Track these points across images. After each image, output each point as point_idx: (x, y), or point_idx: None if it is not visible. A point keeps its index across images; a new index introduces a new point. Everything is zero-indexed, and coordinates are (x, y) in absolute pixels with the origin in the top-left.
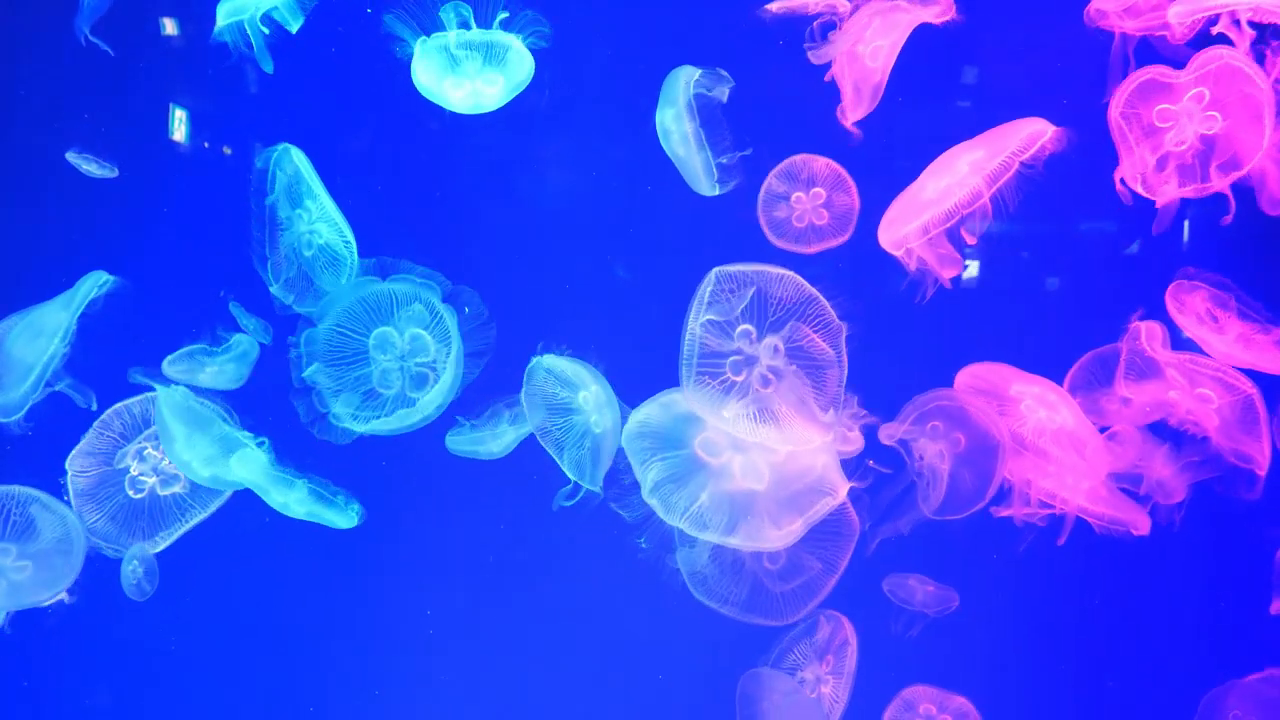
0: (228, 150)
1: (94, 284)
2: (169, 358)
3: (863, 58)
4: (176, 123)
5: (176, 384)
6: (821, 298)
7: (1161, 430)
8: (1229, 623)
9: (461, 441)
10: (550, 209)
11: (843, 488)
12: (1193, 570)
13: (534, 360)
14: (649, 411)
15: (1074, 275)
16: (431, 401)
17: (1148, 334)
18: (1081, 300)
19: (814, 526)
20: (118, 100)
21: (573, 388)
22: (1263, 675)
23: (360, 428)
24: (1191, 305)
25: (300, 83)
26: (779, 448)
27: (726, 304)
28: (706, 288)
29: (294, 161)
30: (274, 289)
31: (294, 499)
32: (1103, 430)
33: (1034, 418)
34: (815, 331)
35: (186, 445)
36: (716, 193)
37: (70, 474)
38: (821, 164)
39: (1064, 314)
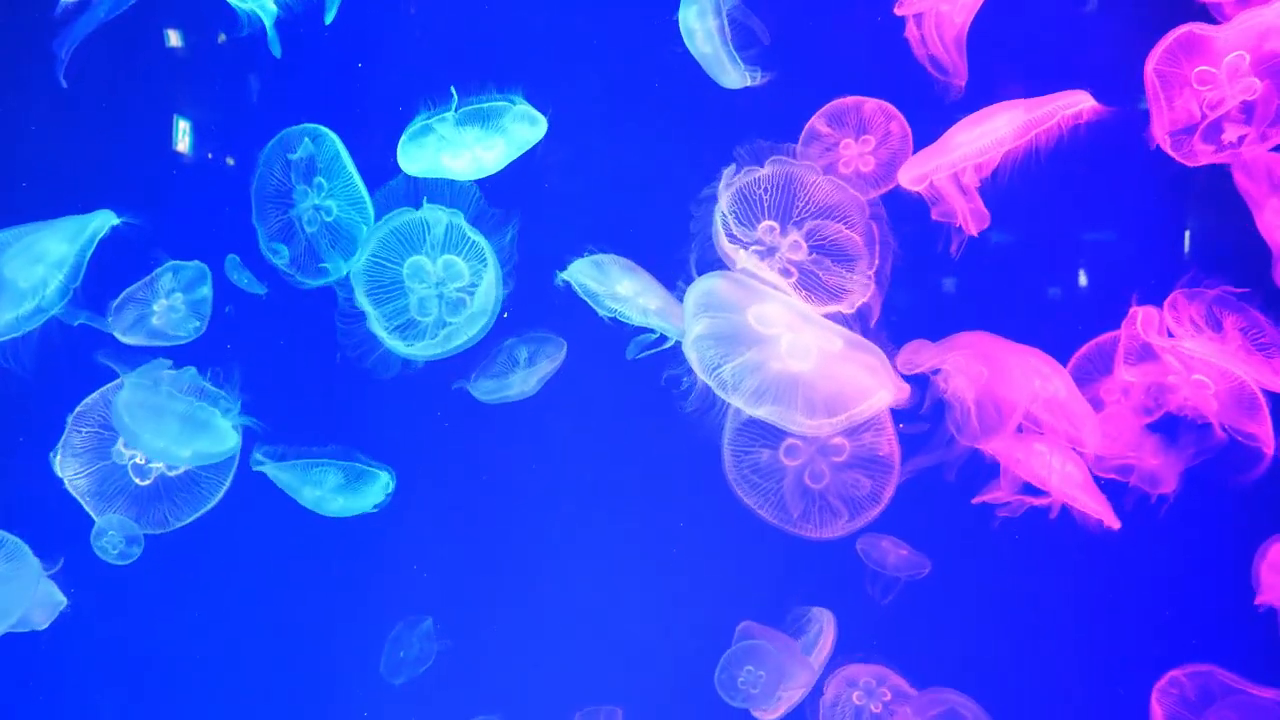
0: (231, 161)
1: (104, 222)
2: (111, 315)
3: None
4: (180, 134)
5: (130, 366)
6: (852, 193)
7: (1161, 422)
8: (1210, 612)
9: (484, 390)
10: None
11: (888, 395)
12: (1176, 560)
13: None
14: (715, 280)
15: (1075, 284)
16: (472, 324)
17: (1144, 320)
18: (1083, 308)
19: (860, 455)
20: (121, 111)
21: (609, 281)
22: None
23: (405, 350)
24: (1192, 310)
25: (301, 87)
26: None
27: (750, 192)
28: (733, 174)
29: (323, 138)
30: (279, 261)
31: (328, 491)
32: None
33: (1029, 389)
34: (841, 232)
35: (155, 436)
36: (747, 83)
37: (66, 479)
38: (873, 107)
39: (1064, 319)
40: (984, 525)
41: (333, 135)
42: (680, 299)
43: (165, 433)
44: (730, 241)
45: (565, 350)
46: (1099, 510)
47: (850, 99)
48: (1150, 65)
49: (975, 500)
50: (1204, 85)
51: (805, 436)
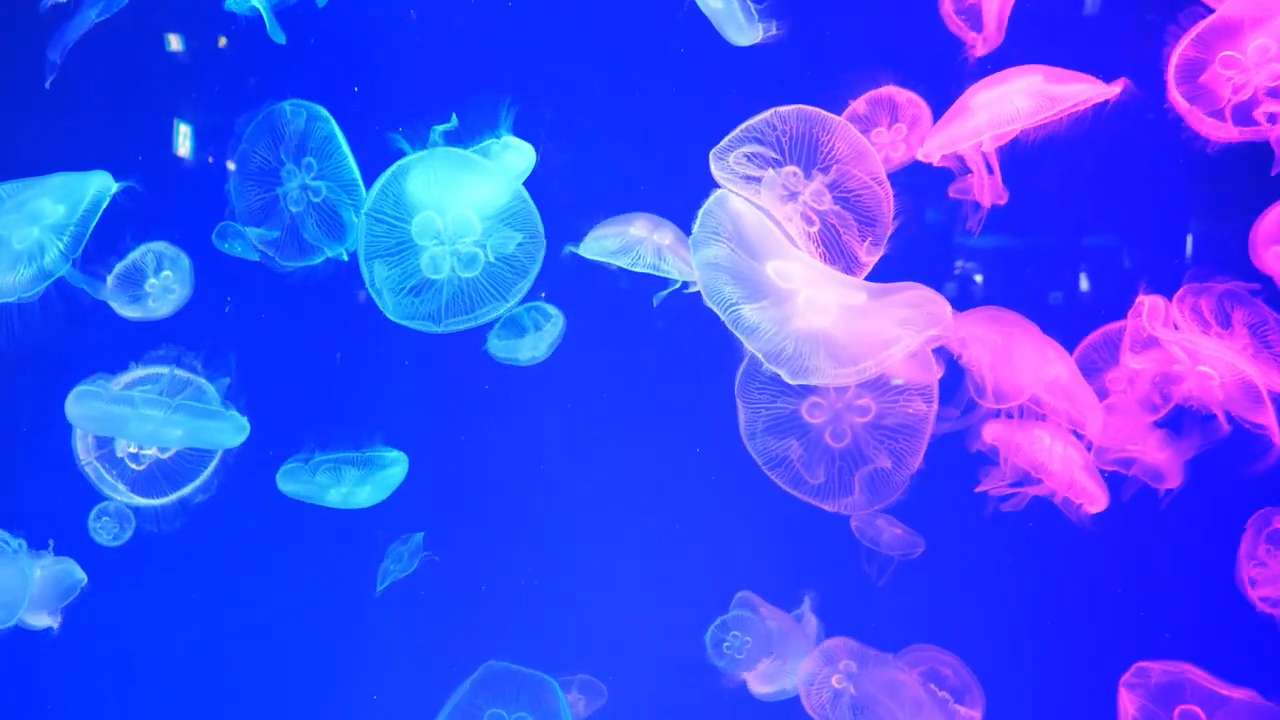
0: (232, 165)
1: (104, 187)
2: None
3: None
4: (181, 138)
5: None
6: (873, 151)
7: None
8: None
9: (499, 349)
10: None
11: (909, 341)
12: (1175, 551)
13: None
14: (740, 206)
15: (1077, 289)
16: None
17: (1150, 310)
18: (1085, 314)
19: (890, 422)
20: (120, 115)
21: (621, 224)
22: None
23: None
24: (1201, 304)
25: (303, 85)
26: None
27: (773, 136)
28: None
29: (318, 117)
30: (251, 234)
31: (349, 485)
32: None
33: (1030, 371)
34: (864, 187)
35: (136, 433)
36: (759, 37)
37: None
38: (905, 99)
39: (1068, 325)
40: (981, 507)
41: (327, 114)
42: None
43: (146, 426)
44: (749, 184)
45: (563, 322)
46: (1097, 496)
47: (887, 89)
48: (1175, 52)
49: (978, 489)
50: (1229, 70)
51: (826, 396)
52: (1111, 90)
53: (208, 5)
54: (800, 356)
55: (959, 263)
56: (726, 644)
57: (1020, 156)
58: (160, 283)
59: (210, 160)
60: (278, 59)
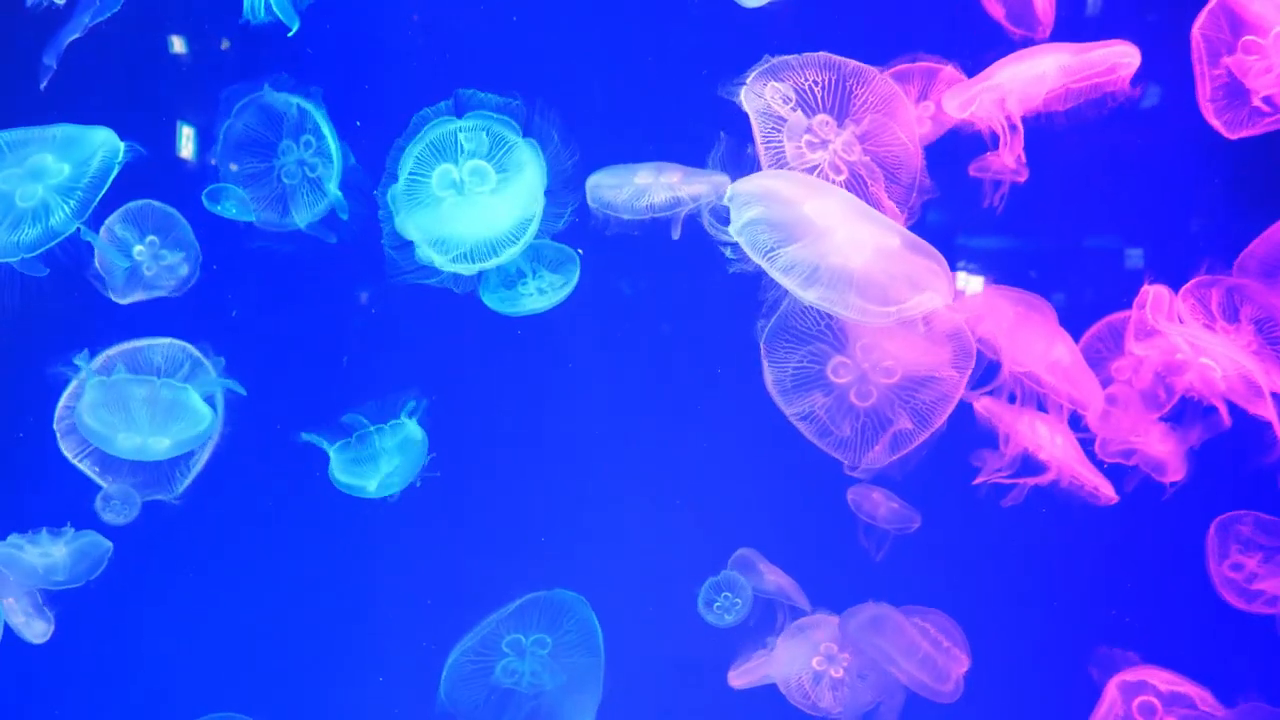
0: (234, 167)
1: (112, 148)
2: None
3: None
4: (184, 140)
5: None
6: (909, 108)
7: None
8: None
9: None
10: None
11: (940, 296)
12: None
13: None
14: (769, 179)
15: (1080, 292)
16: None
17: (1154, 300)
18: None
19: (916, 381)
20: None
21: (626, 175)
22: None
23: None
24: (1209, 296)
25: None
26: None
27: (809, 81)
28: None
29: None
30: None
31: (386, 469)
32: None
33: (1032, 350)
34: (897, 143)
35: (125, 442)
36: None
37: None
38: (937, 72)
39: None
40: (977, 487)
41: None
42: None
43: (135, 433)
44: (775, 122)
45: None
46: (1098, 483)
47: (921, 62)
48: (1196, 30)
49: (977, 481)
50: (1251, 55)
51: (853, 355)
52: (1136, 56)
53: (208, 6)
54: (834, 294)
55: (961, 264)
56: (718, 604)
57: (1030, 155)
58: (147, 249)
59: (213, 162)
60: (279, 60)
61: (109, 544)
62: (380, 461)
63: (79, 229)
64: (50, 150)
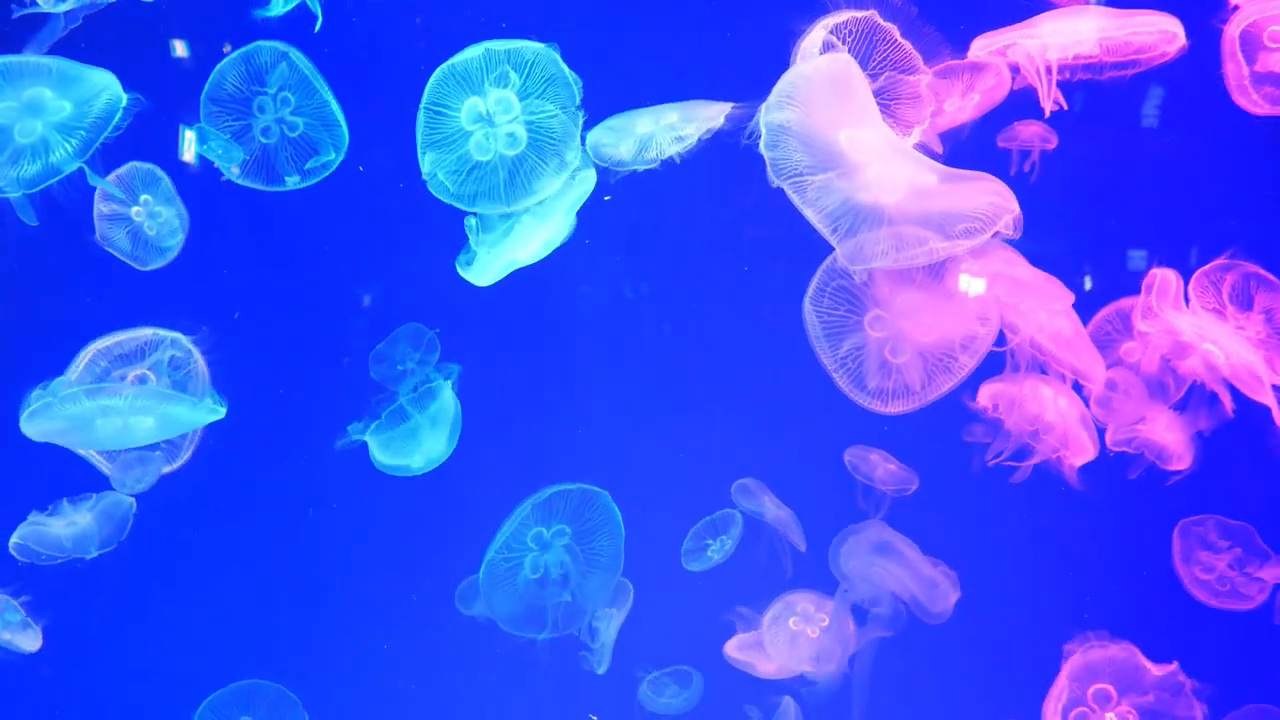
0: (235, 170)
1: (113, 95)
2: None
3: None
4: (186, 144)
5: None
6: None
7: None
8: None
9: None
10: None
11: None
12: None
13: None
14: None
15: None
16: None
17: (1160, 285)
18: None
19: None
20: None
21: (627, 127)
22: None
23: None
24: (1223, 281)
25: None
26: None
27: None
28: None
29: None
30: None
31: (430, 442)
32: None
33: (1035, 319)
34: (911, 96)
35: (111, 441)
36: None
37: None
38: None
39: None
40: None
41: (299, 55)
42: None
43: (109, 428)
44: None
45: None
46: (1087, 448)
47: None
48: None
49: (992, 462)
50: (1276, 44)
51: (888, 309)
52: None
53: (209, 7)
54: (862, 233)
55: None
56: (710, 550)
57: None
58: (144, 208)
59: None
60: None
61: (131, 500)
62: (420, 436)
63: (83, 170)
64: (48, 84)
